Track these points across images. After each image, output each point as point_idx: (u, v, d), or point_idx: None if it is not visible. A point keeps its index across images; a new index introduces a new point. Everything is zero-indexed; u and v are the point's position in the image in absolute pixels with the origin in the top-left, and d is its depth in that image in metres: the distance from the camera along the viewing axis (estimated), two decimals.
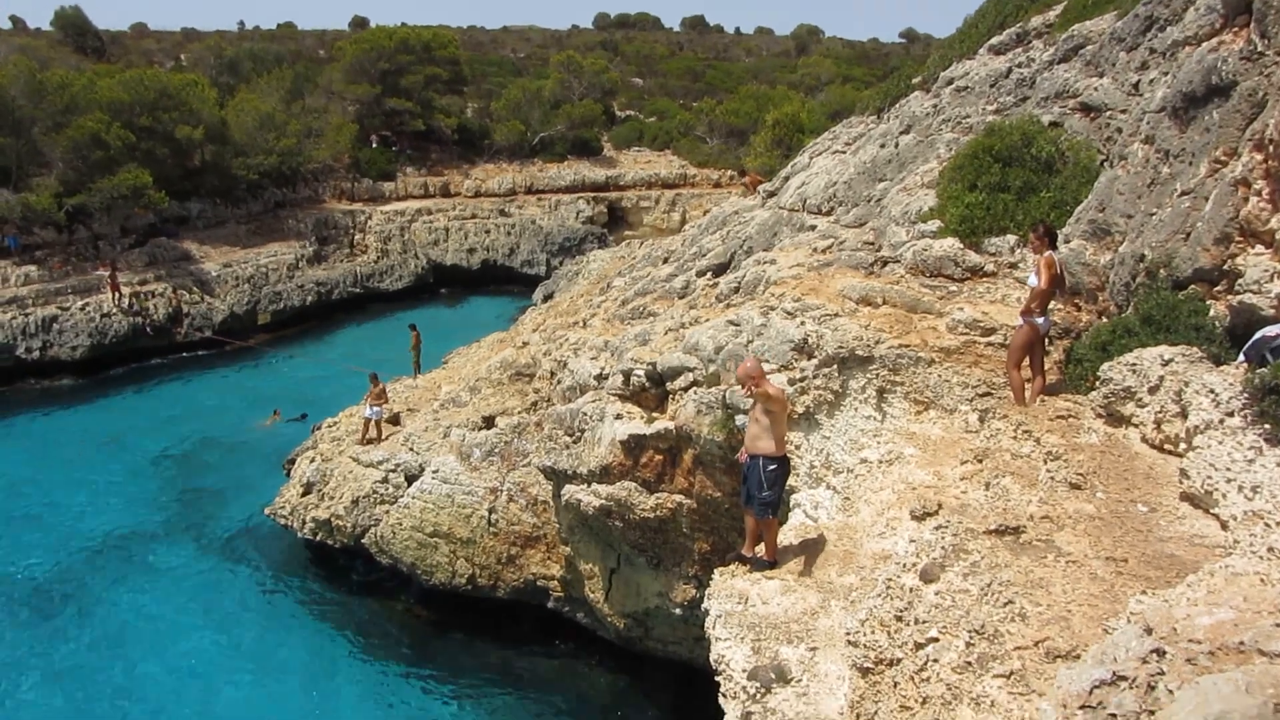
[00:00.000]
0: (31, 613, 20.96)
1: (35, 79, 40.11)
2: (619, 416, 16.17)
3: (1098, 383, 9.50)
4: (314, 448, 23.93)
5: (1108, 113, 13.95)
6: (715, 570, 10.83)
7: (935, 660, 6.49)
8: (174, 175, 43.68)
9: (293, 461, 24.48)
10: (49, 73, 42.64)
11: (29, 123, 39.79)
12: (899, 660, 7.07)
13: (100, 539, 24.16)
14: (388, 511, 21.01)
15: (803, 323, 13.33)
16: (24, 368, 36.90)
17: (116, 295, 39.12)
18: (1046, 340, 10.73)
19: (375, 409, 22.99)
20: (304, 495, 22.62)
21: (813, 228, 18.88)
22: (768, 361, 13.54)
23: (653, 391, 15.99)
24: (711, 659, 10.10)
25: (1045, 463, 8.55)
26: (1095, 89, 14.44)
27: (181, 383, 37.19)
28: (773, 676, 9.07)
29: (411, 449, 21.58)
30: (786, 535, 11.53)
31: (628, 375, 16.14)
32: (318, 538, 22.24)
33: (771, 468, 9.69)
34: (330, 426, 24.53)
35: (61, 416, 33.34)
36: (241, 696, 18.38)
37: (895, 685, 6.98)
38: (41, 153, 40.59)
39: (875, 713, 7.21)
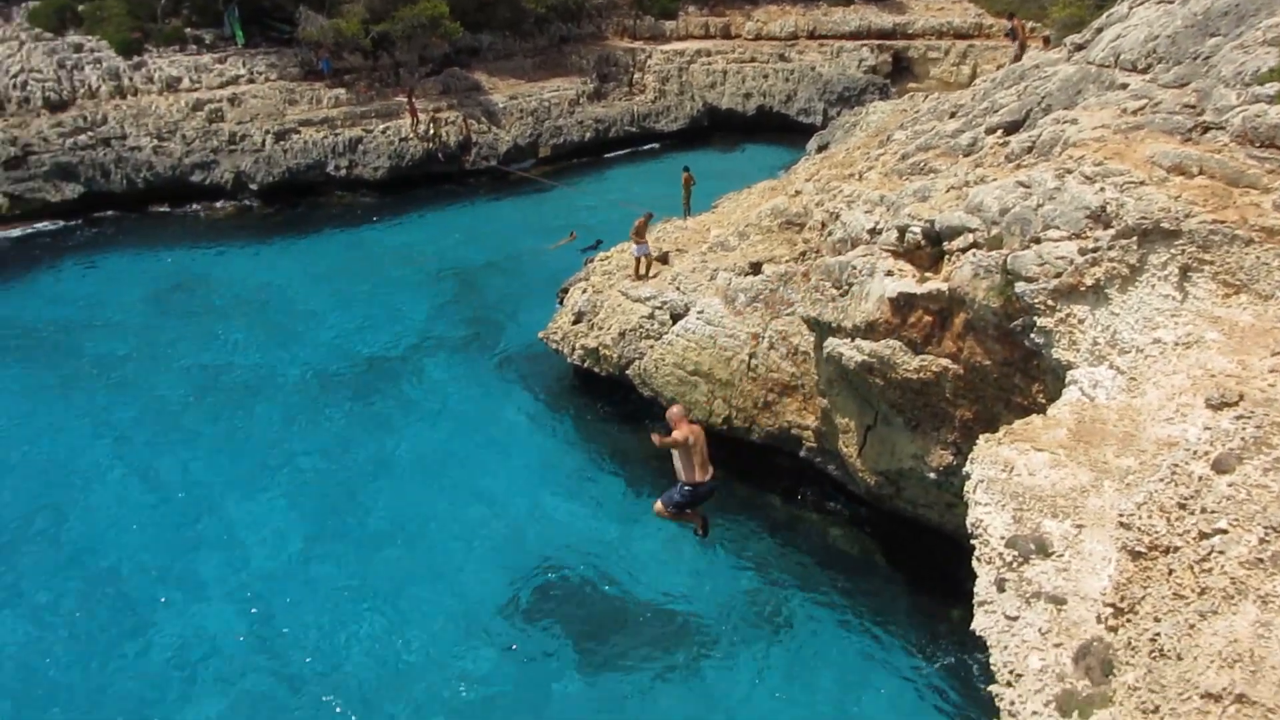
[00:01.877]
0: (309, 405, 23.69)
1: None
2: (890, 273, 15.85)
3: None
4: (586, 279, 24.96)
5: None
6: (980, 436, 10.65)
7: (1221, 553, 6.19)
8: (468, 6, 45.17)
9: (566, 290, 25.65)
10: None
11: None
12: (1177, 548, 6.79)
13: (383, 346, 26.60)
14: (652, 346, 21.78)
15: (1102, 189, 12.43)
16: (332, 183, 40.35)
17: (414, 121, 41.58)
18: None
19: (642, 246, 23.61)
20: (575, 323, 23.78)
21: (1124, 86, 17.28)
22: (1057, 228, 12.81)
23: (927, 250, 15.52)
24: (968, 522, 10.04)
25: None
26: None
27: (468, 207, 39.49)
28: (1032, 548, 8.94)
29: (678, 288, 22.09)
30: (1060, 411, 11.12)
31: (903, 231, 15.70)
32: (585, 365, 23.46)
33: (687, 489, 12.95)
34: (602, 260, 25.43)
35: (361, 231, 36.35)
36: (503, 503, 20.09)
37: (1170, 573, 6.74)
38: None
39: (1142, 597, 7.01)
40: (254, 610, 17.14)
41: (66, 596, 17.43)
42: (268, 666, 15.93)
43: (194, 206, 38.55)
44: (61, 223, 36.37)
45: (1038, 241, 12.91)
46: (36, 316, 28.41)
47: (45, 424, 22.82)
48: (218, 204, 38.79)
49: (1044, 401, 13.34)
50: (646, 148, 48.69)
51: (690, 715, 15.15)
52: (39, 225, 35.90)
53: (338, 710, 15.08)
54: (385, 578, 17.94)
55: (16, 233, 35.13)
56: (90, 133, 37.29)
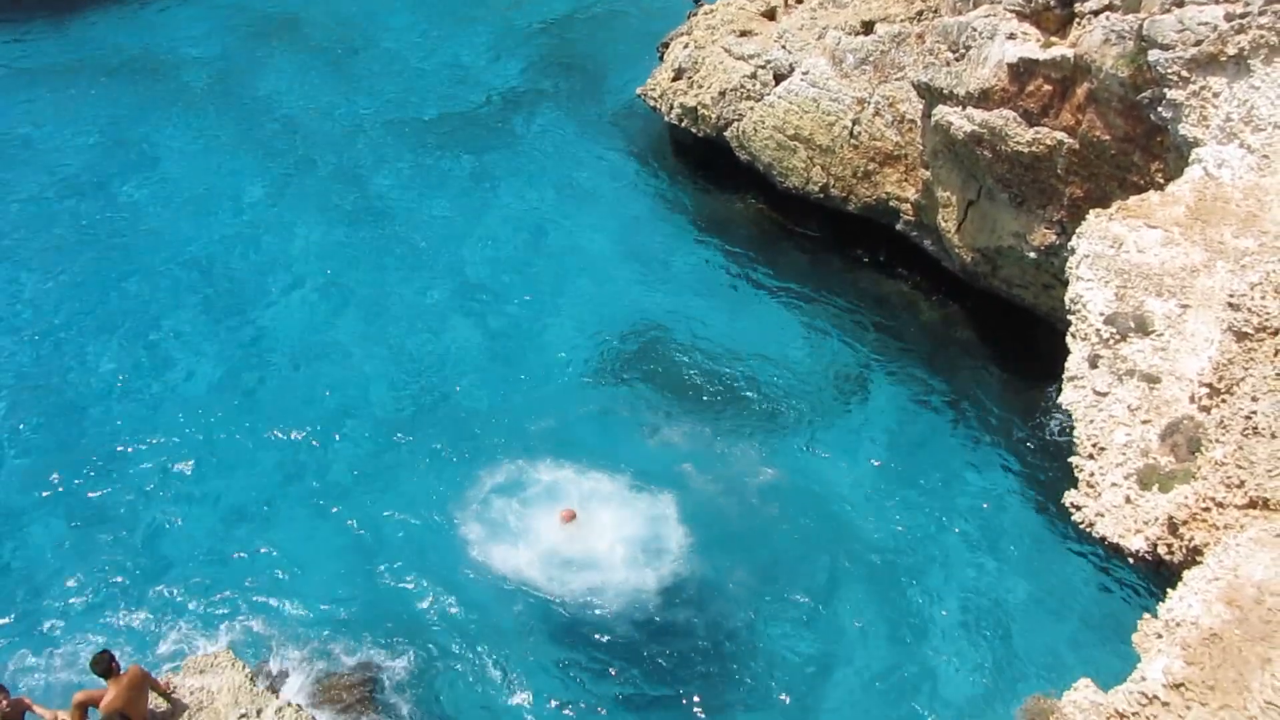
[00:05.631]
0: (414, 150, 23.80)
1: None
2: (1011, 36, 14.90)
3: None
4: (688, 33, 23.90)
5: None
6: (1091, 210, 10.26)
7: None
8: None
9: (667, 45, 24.67)
10: None
11: None
12: None
13: (478, 97, 26.19)
14: (752, 108, 21.08)
15: None
16: None
17: None
18: None
19: None
20: (674, 80, 22.99)
21: None
22: None
23: (1056, 12, 14.47)
24: (1067, 298, 9.82)
25: None
26: None
27: None
28: (1132, 325, 8.73)
29: (784, 46, 21.08)
30: (1180, 188, 10.60)
31: None
32: (682, 124, 22.83)
33: None
34: (707, 13, 24.23)
35: None
36: (593, 265, 20.37)
37: (1276, 354, 6.55)
38: None
39: (1241, 378, 6.85)
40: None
41: None
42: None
43: None
44: None
45: (1180, 4, 11.95)
46: (116, 49, 28.48)
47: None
48: None
49: (1162, 182, 12.70)
50: None
51: (768, 475, 15.63)
52: None
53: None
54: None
55: None
56: None
